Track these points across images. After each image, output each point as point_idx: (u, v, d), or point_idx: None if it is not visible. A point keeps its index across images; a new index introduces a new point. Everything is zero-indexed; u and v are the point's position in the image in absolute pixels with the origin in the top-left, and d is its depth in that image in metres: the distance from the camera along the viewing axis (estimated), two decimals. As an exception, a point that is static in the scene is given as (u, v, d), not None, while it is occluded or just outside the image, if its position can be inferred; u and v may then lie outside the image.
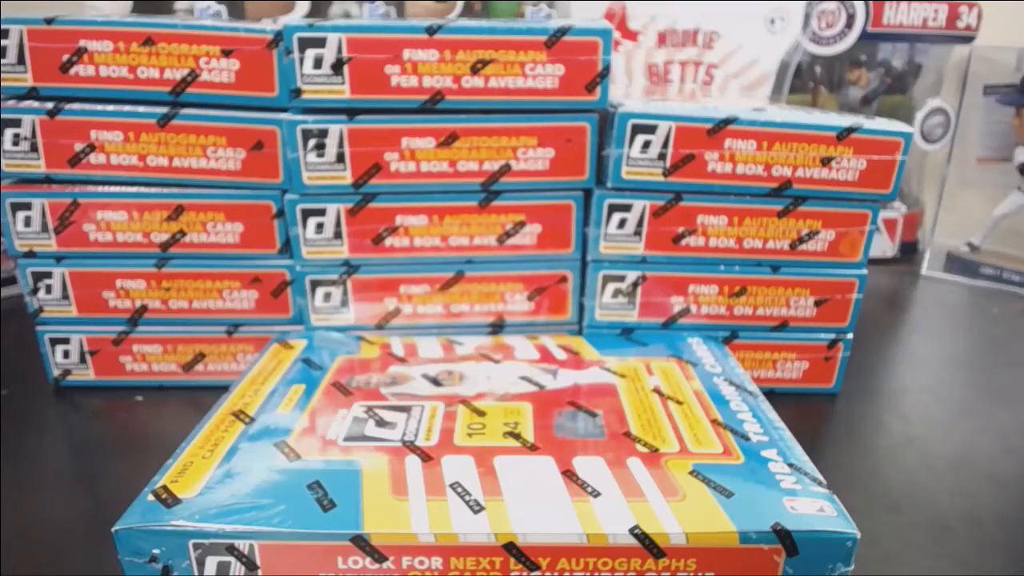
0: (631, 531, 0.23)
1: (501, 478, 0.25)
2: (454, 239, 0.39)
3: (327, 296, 0.40)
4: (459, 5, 0.69)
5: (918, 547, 0.30)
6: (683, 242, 0.39)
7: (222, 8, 0.39)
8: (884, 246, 0.68)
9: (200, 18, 0.37)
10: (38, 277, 0.40)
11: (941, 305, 0.59)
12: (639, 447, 0.28)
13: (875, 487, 0.34)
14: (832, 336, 0.41)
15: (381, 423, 0.29)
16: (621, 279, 0.40)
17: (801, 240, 0.39)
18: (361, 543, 0.23)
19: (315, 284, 0.40)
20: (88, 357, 0.41)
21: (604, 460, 0.27)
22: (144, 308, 0.40)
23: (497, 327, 0.41)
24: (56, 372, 0.42)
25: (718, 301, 0.40)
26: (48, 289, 0.40)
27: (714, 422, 0.30)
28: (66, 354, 0.41)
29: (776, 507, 0.24)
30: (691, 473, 0.26)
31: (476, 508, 0.24)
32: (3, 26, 0.35)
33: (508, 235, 0.39)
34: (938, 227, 0.65)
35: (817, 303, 0.40)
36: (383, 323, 0.41)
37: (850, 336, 0.41)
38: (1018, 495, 0.34)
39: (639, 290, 0.40)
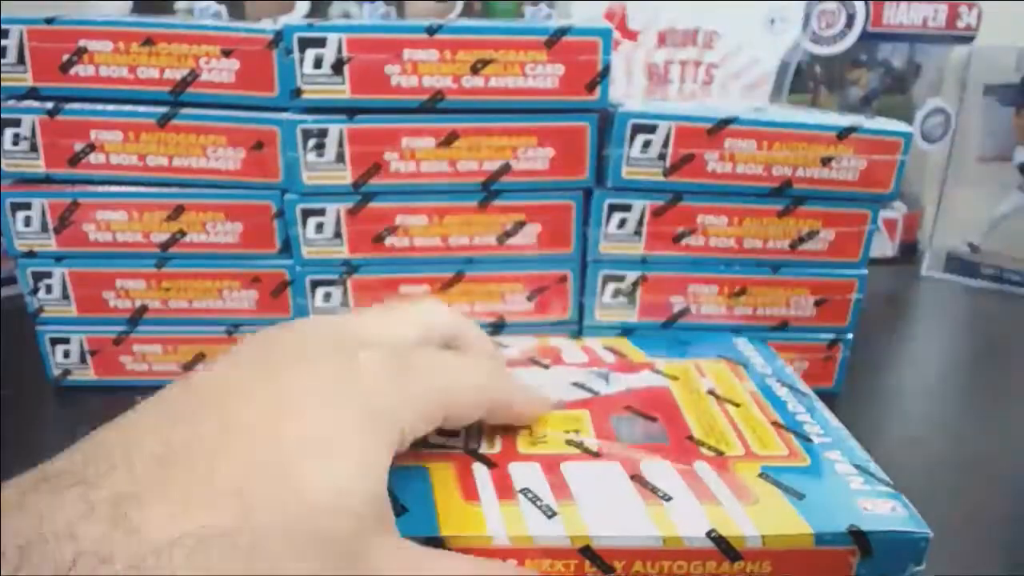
0: (708, 534, 0.23)
1: (571, 483, 0.25)
2: (454, 239, 0.39)
3: (327, 296, 0.40)
4: (459, 5, 0.69)
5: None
6: (683, 242, 0.39)
7: (222, 8, 0.39)
8: (884, 246, 0.68)
9: (200, 18, 0.37)
10: (38, 277, 0.40)
11: (941, 305, 0.59)
12: (704, 451, 0.27)
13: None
14: (832, 336, 0.41)
15: (441, 430, 0.28)
16: (621, 279, 0.40)
17: (801, 240, 0.39)
18: (437, 546, 0.22)
19: (315, 284, 0.40)
20: (88, 357, 0.41)
21: (671, 464, 0.26)
22: (144, 308, 0.40)
23: (497, 327, 0.41)
24: (56, 372, 0.42)
25: (718, 301, 0.40)
26: (48, 289, 0.40)
27: (775, 424, 0.29)
28: (66, 354, 0.41)
29: (850, 508, 0.24)
30: (760, 476, 0.26)
31: (549, 513, 0.24)
32: (3, 26, 0.35)
33: (508, 235, 0.39)
34: (938, 227, 0.65)
35: (817, 303, 0.40)
36: (383, 323, 0.41)
37: (850, 336, 0.41)
38: (1018, 495, 0.34)
39: (639, 290, 0.40)
